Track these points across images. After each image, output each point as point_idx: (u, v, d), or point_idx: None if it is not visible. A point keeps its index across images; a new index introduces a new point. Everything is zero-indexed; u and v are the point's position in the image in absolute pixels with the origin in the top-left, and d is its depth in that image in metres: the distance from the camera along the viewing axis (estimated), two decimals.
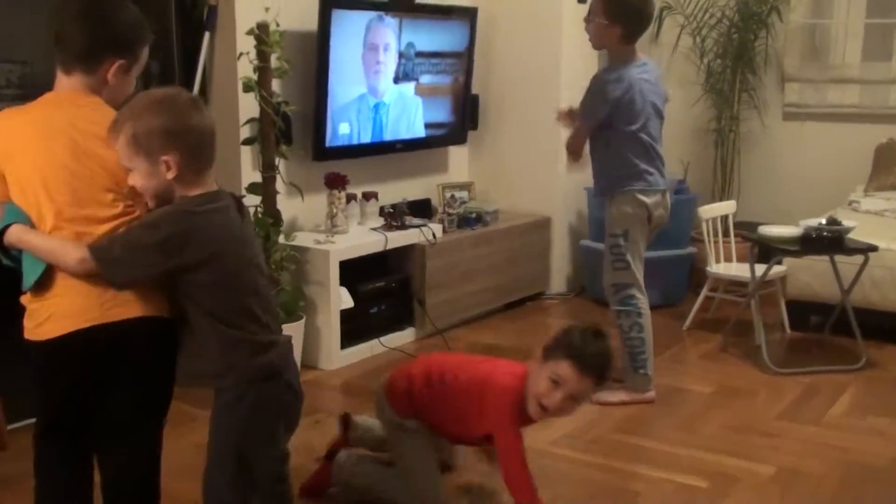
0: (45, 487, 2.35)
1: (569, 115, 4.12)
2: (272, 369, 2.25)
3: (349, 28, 4.62)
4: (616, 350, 3.03)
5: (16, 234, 2.16)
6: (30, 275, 2.17)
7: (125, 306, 2.17)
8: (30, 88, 2.52)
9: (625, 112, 3.83)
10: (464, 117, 5.54)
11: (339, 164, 4.70)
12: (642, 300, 3.97)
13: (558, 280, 5.81)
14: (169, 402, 2.38)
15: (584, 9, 4.14)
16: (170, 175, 2.14)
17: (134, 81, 2.37)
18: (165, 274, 2.15)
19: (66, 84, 2.28)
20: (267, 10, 4.10)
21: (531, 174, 5.65)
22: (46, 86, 2.34)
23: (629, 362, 3.99)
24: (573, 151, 4.06)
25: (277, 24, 4.14)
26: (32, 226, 2.18)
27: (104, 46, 2.26)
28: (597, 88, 3.86)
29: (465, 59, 5.39)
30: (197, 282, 2.15)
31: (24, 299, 2.22)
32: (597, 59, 5.33)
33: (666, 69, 6.00)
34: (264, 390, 2.24)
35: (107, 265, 2.12)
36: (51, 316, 2.16)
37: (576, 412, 2.89)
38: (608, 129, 3.87)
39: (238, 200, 2.28)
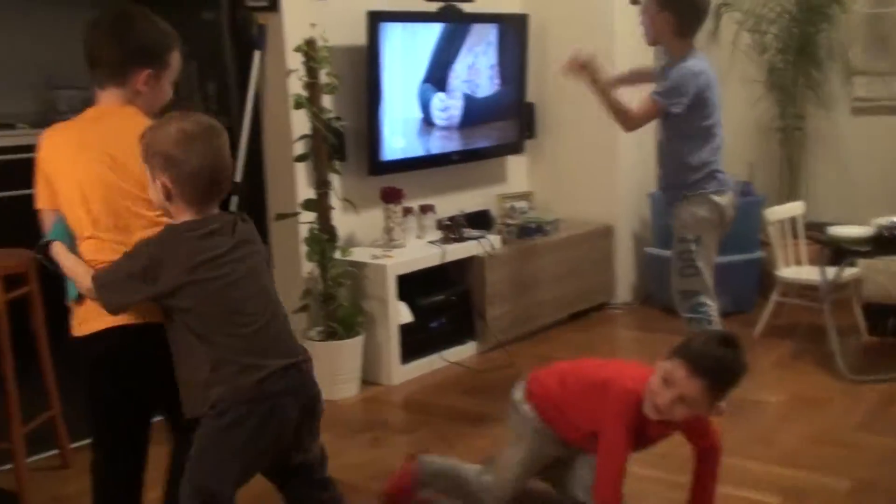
0: (98, 493, 2.49)
1: (583, 67, 3.73)
2: (254, 392, 2.21)
3: (398, 40, 4.59)
4: None
5: (54, 252, 2.35)
6: (72, 287, 2.38)
7: (142, 312, 2.29)
8: None
9: (701, 106, 3.72)
10: (520, 126, 5.47)
11: (395, 178, 4.68)
12: (713, 307, 3.83)
13: (623, 289, 5.69)
14: None
15: (635, 10, 4.05)
16: (161, 196, 2.22)
17: (169, 88, 2.50)
18: (151, 299, 2.23)
19: (104, 99, 2.43)
20: (313, 26, 4.09)
21: (591, 181, 5.55)
22: None
23: None
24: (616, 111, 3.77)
25: (325, 40, 4.13)
26: (73, 241, 2.34)
27: (130, 58, 2.39)
28: (682, 79, 3.69)
29: (518, 67, 5.32)
30: (176, 305, 2.21)
31: (70, 303, 2.42)
32: (652, 58, 5.22)
33: (726, 67, 5.85)
34: (244, 412, 2.21)
35: (99, 291, 2.25)
36: (88, 317, 2.35)
37: None
38: (683, 122, 3.73)
39: (234, 224, 2.28)
